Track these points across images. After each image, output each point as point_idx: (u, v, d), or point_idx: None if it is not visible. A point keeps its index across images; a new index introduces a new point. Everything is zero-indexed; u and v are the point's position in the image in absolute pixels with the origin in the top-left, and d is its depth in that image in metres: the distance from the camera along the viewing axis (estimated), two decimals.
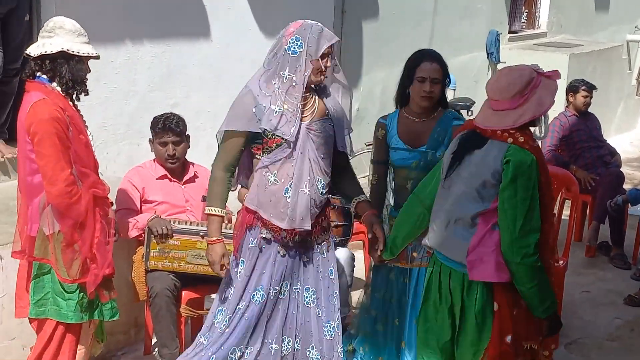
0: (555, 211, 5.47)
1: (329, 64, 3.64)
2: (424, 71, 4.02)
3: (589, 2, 11.39)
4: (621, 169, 7.13)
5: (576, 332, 5.35)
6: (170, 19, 5.56)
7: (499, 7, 9.66)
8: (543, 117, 3.40)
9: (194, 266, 4.34)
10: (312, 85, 3.68)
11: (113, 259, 3.70)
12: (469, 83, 9.11)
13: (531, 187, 3.21)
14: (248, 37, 6.08)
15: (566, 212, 6.28)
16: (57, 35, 3.57)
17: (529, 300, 3.28)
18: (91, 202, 3.58)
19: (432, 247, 3.50)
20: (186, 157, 4.74)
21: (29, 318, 3.71)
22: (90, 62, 3.68)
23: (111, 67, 5.16)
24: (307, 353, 3.83)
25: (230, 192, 3.79)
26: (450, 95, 7.76)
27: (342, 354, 3.92)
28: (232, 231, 3.92)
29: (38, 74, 3.59)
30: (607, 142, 7.47)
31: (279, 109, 3.60)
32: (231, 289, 3.77)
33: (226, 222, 4.39)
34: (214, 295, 3.98)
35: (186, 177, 4.72)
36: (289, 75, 3.59)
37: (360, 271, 5.57)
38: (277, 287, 3.73)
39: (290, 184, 3.65)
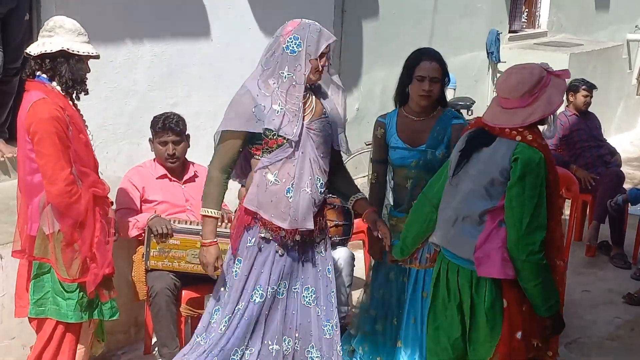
0: None
1: (326, 63, 3.64)
2: (423, 70, 4.02)
3: (589, 2, 11.38)
4: (621, 169, 7.13)
5: (576, 331, 5.35)
6: (171, 19, 5.56)
7: (499, 7, 9.65)
8: (552, 116, 3.40)
9: (194, 265, 4.34)
10: (308, 85, 3.67)
11: (113, 259, 3.71)
12: (469, 82, 9.11)
13: (539, 184, 3.21)
14: (248, 37, 6.08)
15: (566, 212, 6.28)
16: (57, 34, 3.57)
17: (532, 298, 3.28)
18: (91, 202, 3.58)
19: (439, 245, 3.50)
20: (186, 156, 4.74)
21: (29, 317, 3.71)
22: (90, 62, 3.68)
23: (111, 67, 5.16)
24: (307, 353, 3.83)
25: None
26: (450, 94, 7.76)
27: (341, 352, 3.92)
28: (228, 230, 3.92)
29: (38, 73, 3.59)
30: (607, 141, 7.47)
31: (281, 109, 3.59)
32: (228, 289, 3.76)
33: (226, 221, 4.40)
34: None
35: (186, 177, 4.72)
36: (288, 74, 3.58)
37: (360, 271, 5.57)
38: (275, 287, 3.73)
39: (292, 184, 3.64)
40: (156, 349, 4.63)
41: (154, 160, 4.71)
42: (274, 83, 3.61)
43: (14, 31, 4.97)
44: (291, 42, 3.57)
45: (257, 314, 3.72)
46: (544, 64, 3.42)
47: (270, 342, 3.76)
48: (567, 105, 7.23)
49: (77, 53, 3.57)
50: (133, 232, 4.45)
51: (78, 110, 3.69)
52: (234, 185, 3.98)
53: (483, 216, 3.31)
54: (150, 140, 4.71)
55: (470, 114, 7.74)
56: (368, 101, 7.64)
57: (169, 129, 4.59)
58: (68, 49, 3.54)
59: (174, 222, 4.41)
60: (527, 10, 10.64)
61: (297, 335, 3.81)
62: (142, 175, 4.64)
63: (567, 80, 3.56)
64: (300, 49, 3.56)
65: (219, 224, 4.31)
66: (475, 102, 7.89)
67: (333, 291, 3.88)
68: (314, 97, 3.73)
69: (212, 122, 5.49)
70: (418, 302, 4.11)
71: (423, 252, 4.00)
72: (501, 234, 3.27)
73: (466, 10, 8.99)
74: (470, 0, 9.08)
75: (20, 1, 4.94)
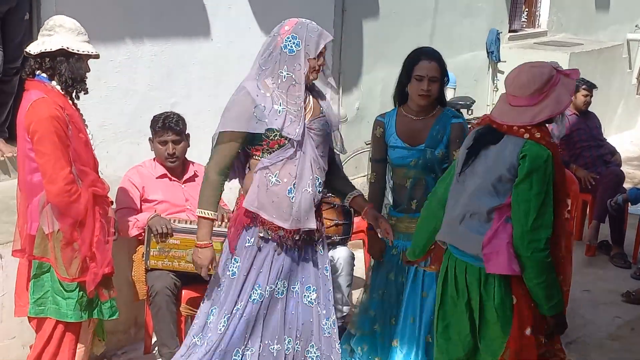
0: None
1: (323, 63, 3.64)
2: (422, 69, 4.02)
3: (590, 1, 11.37)
4: (621, 168, 7.14)
5: (576, 331, 5.34)
6: (171, 18, 5.55)
7: (499, 6, 9.65)
8: (560, 116, 3.40)
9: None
10: (307, 84, 3.66)
11: (113, 258, 3.70)
12: (469, 82, 9.11)
13: (546, 182, 3.21)
14: (248, 37, 6.07)
15: None
16: (57, 33, 3.57)
17: (535, 296, 3.28)
18: (91, 201, 3.58)
19: (446, 242, 3.49)
20: (186, 156, 4.74)
21: (29, 317, 3.71)
22: (90, 61, 3.68)
23: (111, 66, 5.16)
24: (307, 353, 3.82)
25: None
26: (450, 94, 7.76)
27: (340, 350, 3.92)
28: (225, 229, 3.90)
29: (38, 72, 3.59)
30: (607, 141, 7.47)
31: (283, 109, 3.58)
32: (225, 288, 3.74)
33: (226, 220, 4.40)
34: None
35: (186, 176, 4.72)
36: (287, 74, 3.57)
37: (360, 270, 5.57)
38: (273, 286, 3.72)
39: (294, 184, 3.63)
40: (156, 348, 4.63)
41: (154, 159, 4.71)
42: (273, 83, 3.60)
43: (14, 30, 4.97)
44: (289, 41, 3.56)
45: (256, 314, 3.71)
46: (553, 63, 3.42)
47: (270, 342, 3.75)
48: None
49: (77, 52, 3.57)
50: (133, 232, 4.45)
51: (78, 110, 3.69)
52: (234, 185, 3.97)
53: (491, 213, 3.31)
54: (150, 139, 4.71)
55: (470, 113, 7.74)
56: (368, 101, 7.63)
57: (168, 129, 4.59)
58: (68, 48, 3.54)
59: (174, 221, 4.41)
60: (527, 9, 10.64)
61: (298, 335, 3.80)
62: (142, 175, 4.64)
63: None
64: (299, 49, 3.56)
65: (219, 223, 4.32)
66: (475, 101, 7.89)
67: (330, 289, 3.88)
68: (311, 96, 3.73)
69: (212, 122, 5.47)
70: (417, 302, 4.11)
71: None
72: (508, 231, 3.26)
73: (466, 9, 8.99)
74: (471, 0, 9.08)
75: (20, 0, 4.94)
